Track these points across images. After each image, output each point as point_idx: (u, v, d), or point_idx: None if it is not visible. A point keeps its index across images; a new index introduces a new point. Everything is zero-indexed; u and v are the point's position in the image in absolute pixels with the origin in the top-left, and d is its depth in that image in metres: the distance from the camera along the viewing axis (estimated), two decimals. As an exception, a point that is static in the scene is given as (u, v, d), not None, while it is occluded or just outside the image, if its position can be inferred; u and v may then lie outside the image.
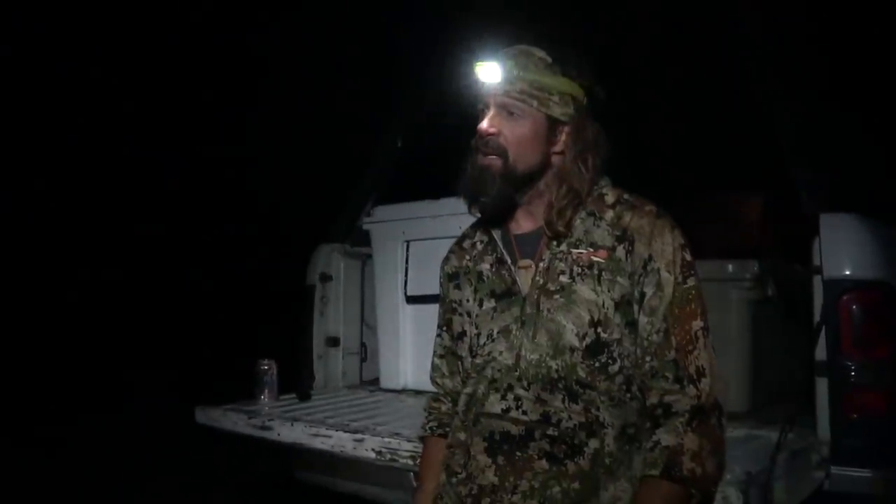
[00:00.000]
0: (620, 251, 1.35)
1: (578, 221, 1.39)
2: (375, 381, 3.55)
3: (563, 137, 1.40)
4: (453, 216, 2.79)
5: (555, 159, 1.41)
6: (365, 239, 3.54)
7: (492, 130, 1.39)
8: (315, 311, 3.54)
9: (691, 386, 1.30)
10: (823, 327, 2.22)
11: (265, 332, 5.08)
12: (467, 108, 1.44)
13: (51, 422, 6.46)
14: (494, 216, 1.46)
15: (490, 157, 1.39)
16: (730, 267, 2.76)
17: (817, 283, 2.27)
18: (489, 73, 1.39)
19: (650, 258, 1.34)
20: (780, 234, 3.28)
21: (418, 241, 3.32)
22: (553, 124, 1.40)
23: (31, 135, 9.30)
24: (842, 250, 2.24)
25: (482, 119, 1.41)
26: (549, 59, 1.40)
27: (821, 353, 2.22)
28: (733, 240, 3.46)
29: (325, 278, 3.57)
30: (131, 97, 9.62)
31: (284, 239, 6.34)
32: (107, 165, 9.60)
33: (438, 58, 3.42)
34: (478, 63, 1.40)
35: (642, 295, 1.34)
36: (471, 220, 1.53)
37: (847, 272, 2.22)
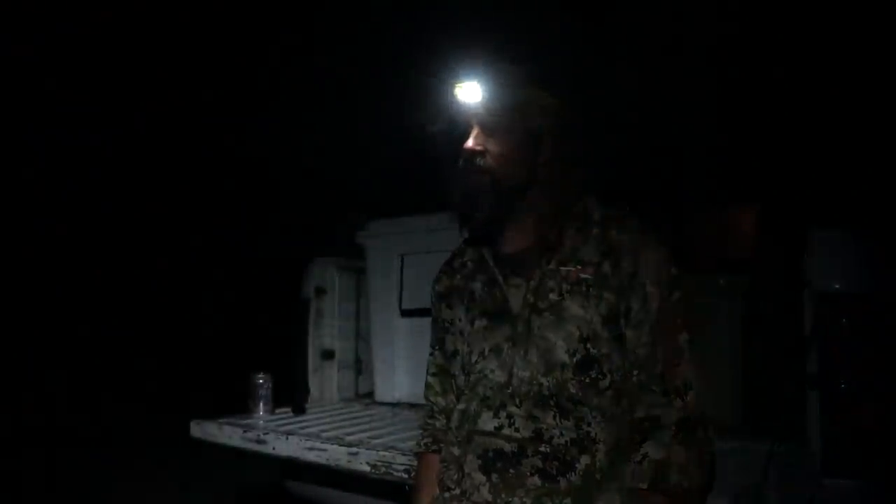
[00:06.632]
0: (606, 266, 1.36)
1: (567, 239, 1.41)
2: (370, 395, 3.55)
3: (546, 149, 1.42)
4: (448, 230, 2.80)
5: (540, 172, 1.43)
6: (360, 253, 3.55)
7: (477, 149, 1.40)
8: (310, 324, 3.54)
9: (678, 399, 1.32)
10: (814, 340, 2.24)
11: (260, 346, 5.08)
12: (452, 127, 1.46)
13: (43, 429, 6.44)
14: (485, 235, 1.47)
15: (477, 174, 1.40)
16: (721, 280, 2.77)
17: (808, 296, 2.29)
18: (469, 92, 1.41)
19: (635, 273, 1.35)
20: (774, 247, 3.29)
21: (413, 254, 3.33)
22: (536, 137, 1.41)
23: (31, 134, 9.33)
24: (832, 263, 2.25)
25: (466, 138, 1.42)
26: (527, 74, 1.43)
27: (811, 365, 2.24)
28: (726, 252, 3.47)
29: (320, 292, 3.57)
30: (129, 100, 9.64)
31: (279, 252, 6.35)
32: (110, 172, 9.61)
33: (429, 72, 3.44)
34: (457, 84, 1.42)
35: (628, 309, 1.35)
36: (465, 233, 1.54)
37: (837, 286, 2.23)
